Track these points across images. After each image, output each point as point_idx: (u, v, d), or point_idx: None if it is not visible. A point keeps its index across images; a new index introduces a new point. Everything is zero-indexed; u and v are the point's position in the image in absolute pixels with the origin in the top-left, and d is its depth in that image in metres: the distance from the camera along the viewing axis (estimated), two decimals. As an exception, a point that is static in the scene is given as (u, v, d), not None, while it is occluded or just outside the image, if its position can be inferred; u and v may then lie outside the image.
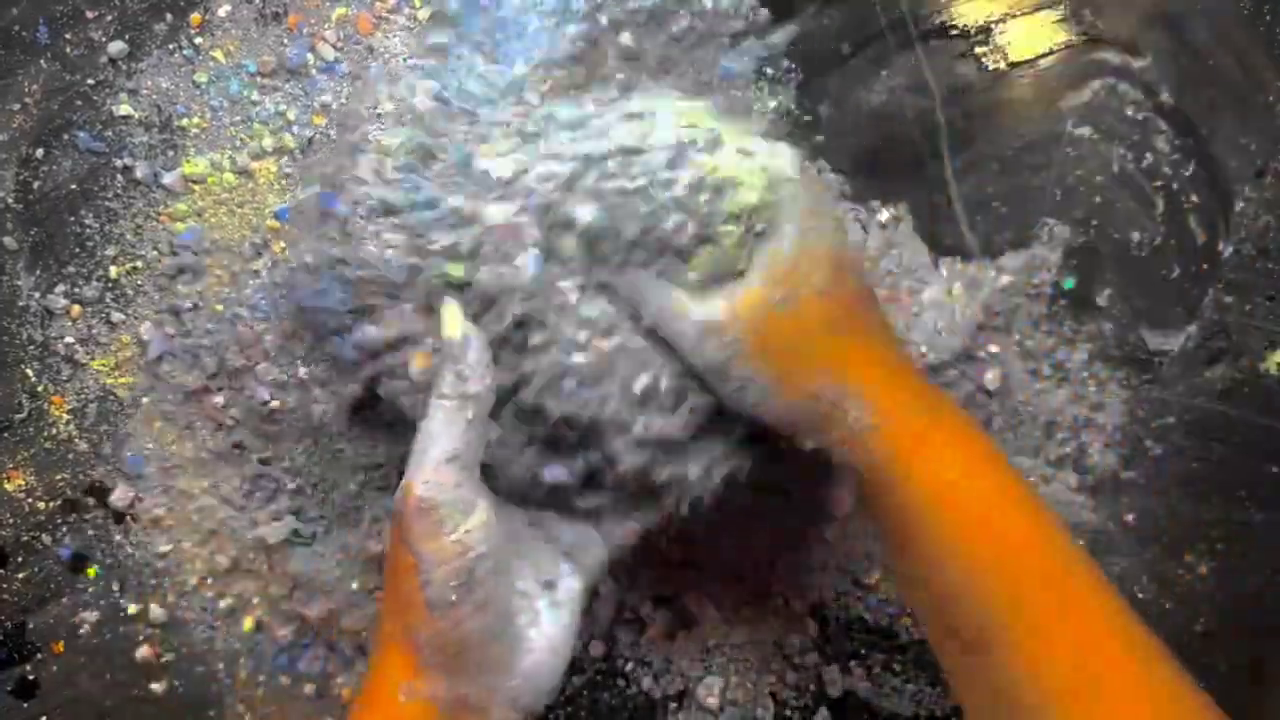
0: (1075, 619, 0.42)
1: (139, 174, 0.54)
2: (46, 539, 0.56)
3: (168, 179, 0.54)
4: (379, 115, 0.46)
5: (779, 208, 0.45)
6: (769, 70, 0.56)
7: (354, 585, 0.57)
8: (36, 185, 0.55)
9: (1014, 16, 0.57)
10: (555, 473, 0.47)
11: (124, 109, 0.54)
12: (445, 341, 0.44)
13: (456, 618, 0.42)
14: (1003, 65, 0.57)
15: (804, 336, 0.44)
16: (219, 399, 0.55)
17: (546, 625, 0.45)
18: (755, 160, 0.45)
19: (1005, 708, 0.41)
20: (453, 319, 0.44)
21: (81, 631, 0.56)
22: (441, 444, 0.43)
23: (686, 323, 0.44)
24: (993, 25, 0.57)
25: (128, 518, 0.56)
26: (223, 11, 0.54)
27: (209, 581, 0.57)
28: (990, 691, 0.42)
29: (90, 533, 0.56)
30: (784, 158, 0.46)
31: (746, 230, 0.44)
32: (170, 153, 0.54)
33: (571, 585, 0.47)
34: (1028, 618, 0.41)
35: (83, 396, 0.55)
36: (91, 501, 0.56)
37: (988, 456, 0.45)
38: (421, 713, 0.43)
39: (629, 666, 0.59)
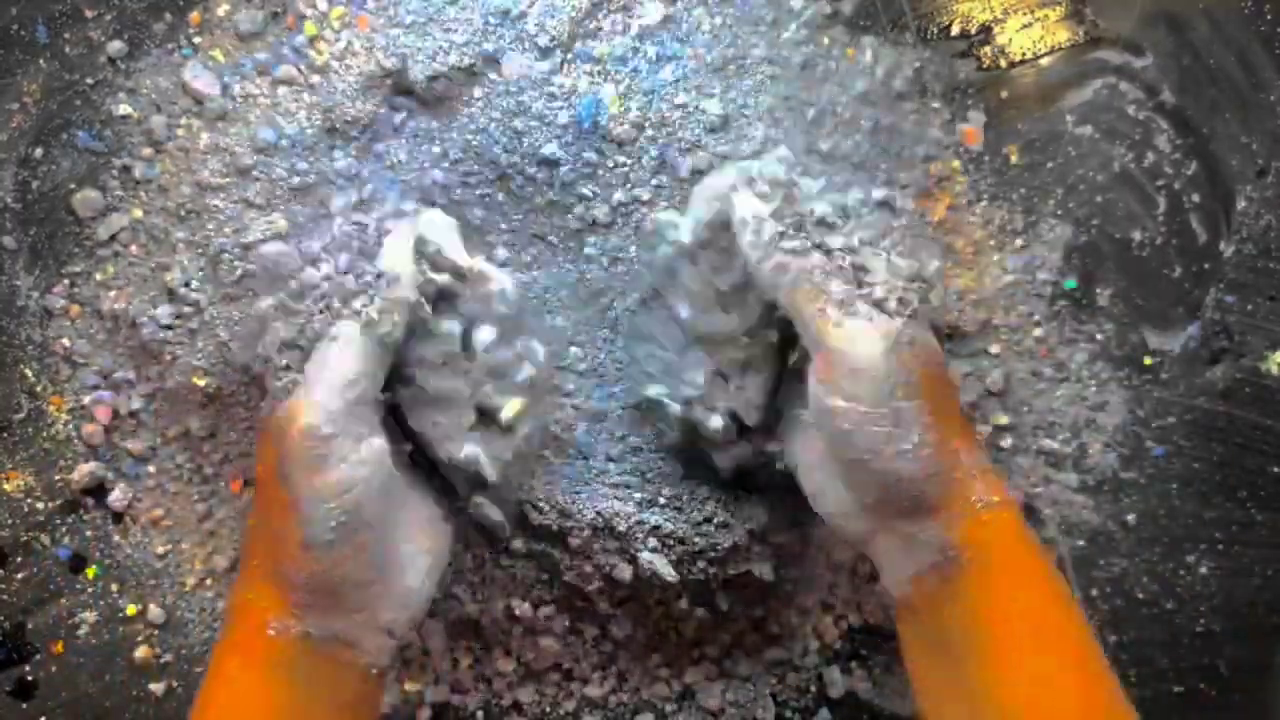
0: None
1: (138, 174, 0.54)
2: (45, 539, 0.55)
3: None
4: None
5: (926, 279, 0.46)
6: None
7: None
8: (35, 185, 0.54)
9: (1014, 16, 0.57)
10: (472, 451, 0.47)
11: (123, 108, 0.54)
12: (385, 272, 0.43)
13: (334, 559, 0.40)
14: (1003, 65, 0.57)
15: (953, 395, 0.44)
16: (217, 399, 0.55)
17: (420, 573, 0.45)
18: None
19: None
20: (396, 252, 0.44)
21: (80, 632, 0.56)
22: (342, 367, 0.41)
23: (867, 336, 0.42)
24: (993, 25, 0.57)
25: (126, 518, 0.56)
26: (222, 10, 0.54)
27: (207, 582, 0.57)
28: None
29: (89, 533, 0.56)
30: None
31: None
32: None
33: (445, 549, 0.47)
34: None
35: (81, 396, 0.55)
36: (90, 502, 0.56)
37: (1049, 565, 0.44)
38: (292, 646, 0.41)
39: (629, 668, 0.59)
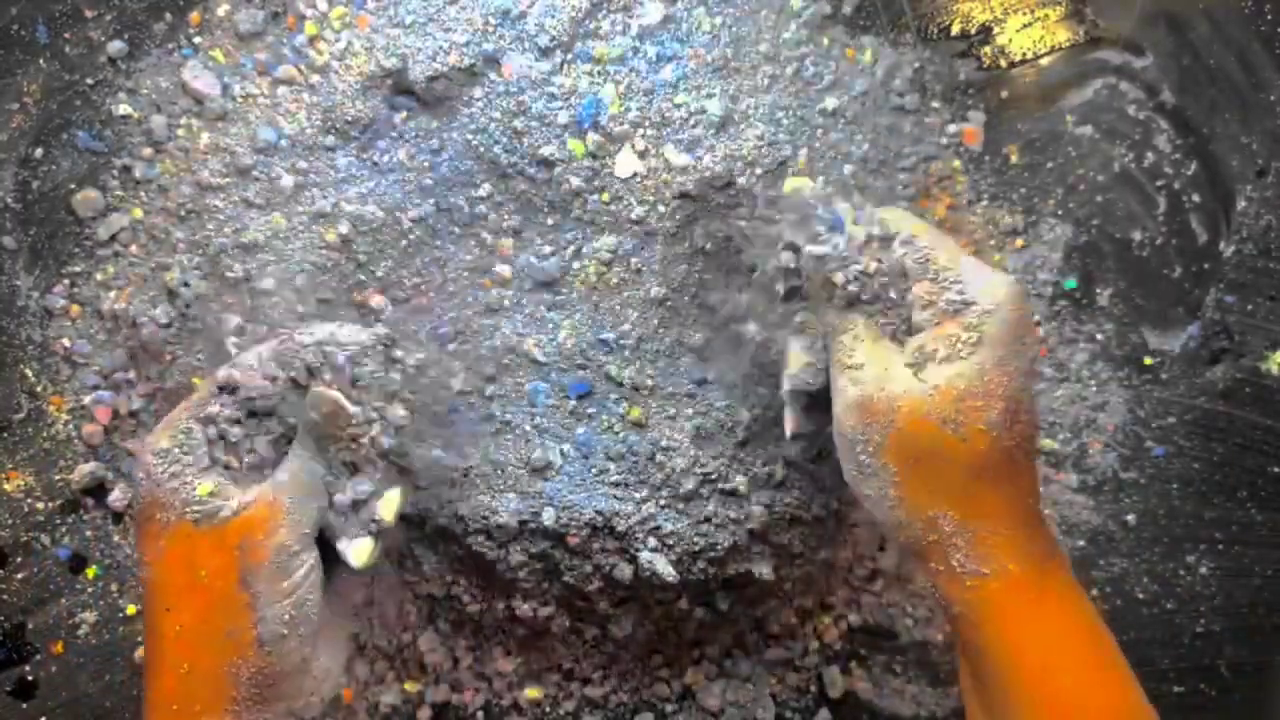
0: None
1: (138, 174, 0.54)
2: (45, 539, 0.56)
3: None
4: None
5: (986, 325, 0.42)
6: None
7: (354, 585, 0.57)
8: (36, 185, 0.55)
9: (1014, 16, 0.57)
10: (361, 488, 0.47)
11: (123, 108, 0.54)
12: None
13: (283, 653, 0.43)
14: (1003, 65, 0.57)
15: (948, 466, 0.42)
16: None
17: (334, 649, 0.47)
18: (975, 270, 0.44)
19: None
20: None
21: (80, 632, 0.56)
22: (322, 497, 0.45)
23: (851, 382, 0.44)
24: (993, 25, 0.57)
25: (126, 518, 0.56)
26: (222, 11, 0.54)
27: (208, 582, 0.57)
28: None
29: (89, 533, 0.56)
30: (1006, 279, 0.43)
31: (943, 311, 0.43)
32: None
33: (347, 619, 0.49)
34: None
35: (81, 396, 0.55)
36: (90, 502, 0.56)
37: (1084, 634, 0.43)
38: None
39: (629, 668, 0.59)
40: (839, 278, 0.45)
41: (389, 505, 0.46)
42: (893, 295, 0.45)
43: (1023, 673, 0.42)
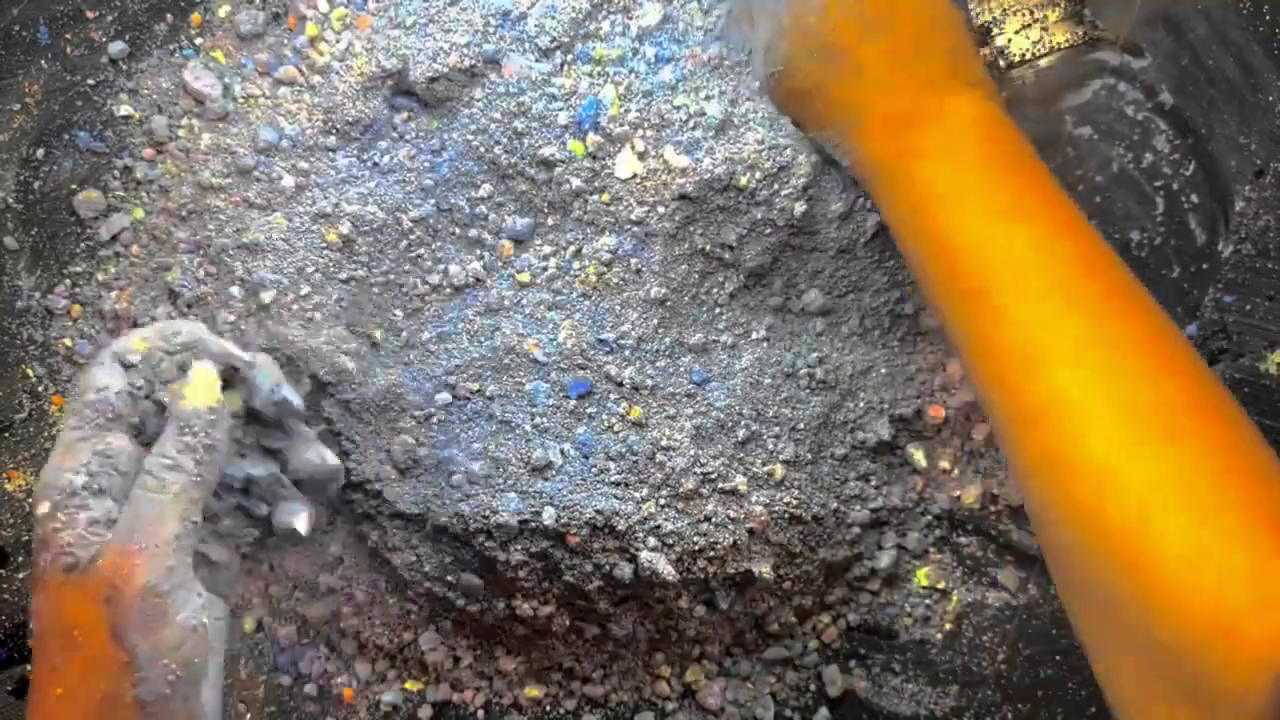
0: (1074, 292, 0.42)
1: (139, 174, 0.54)
2: (47, 539, 0.56)
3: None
4: None
5: None
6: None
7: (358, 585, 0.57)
8: (37, 185, 0.55)
9: (1013, 17, 0.57)
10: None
11: (124, 109, 0.55)
12: (191, 411, 0.41)
13: (168, 713, 0.39)
14: (1002, 66, 0.57)
15: (825, 81, 0.47)
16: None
17: (214, 701, 0.43)
18: None
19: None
20: (206, 386, 0.42)
21: (82, 631, 0.56)
22: (172, 524, 0.40)
23: (762, 61, 0.50)
24: (992, 26, 0.57)
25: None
26: (223, 12, 0.54)
27: (209, 581, 0.57)
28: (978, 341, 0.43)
29: (91, 532, 0.56)
30: None
31: None
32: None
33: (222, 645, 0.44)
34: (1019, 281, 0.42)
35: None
36: (92, 501, 0.56)
37: (976, 161, 0.45)
38: None
39: (630, 666, 0.59)
40: None
41: (300, 520, 0.46)
42: None
43: (903, 213, 0.46)
